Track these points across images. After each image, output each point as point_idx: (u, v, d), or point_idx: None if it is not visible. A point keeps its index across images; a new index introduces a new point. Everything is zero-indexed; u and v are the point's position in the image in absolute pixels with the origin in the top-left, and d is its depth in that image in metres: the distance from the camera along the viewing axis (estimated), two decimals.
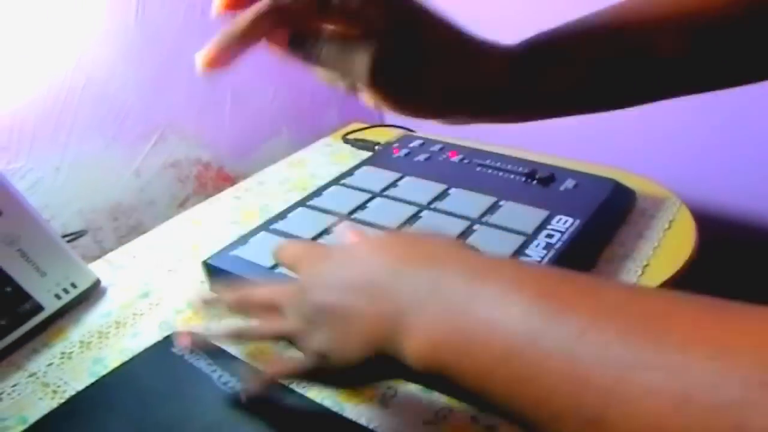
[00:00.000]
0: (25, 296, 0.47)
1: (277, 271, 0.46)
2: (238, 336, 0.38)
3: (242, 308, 0.38)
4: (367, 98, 0.35)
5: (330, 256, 0.34)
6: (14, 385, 0.43)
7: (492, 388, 0.23)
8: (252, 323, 0.37)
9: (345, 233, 0.39)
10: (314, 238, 0.49)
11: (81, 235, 0.61)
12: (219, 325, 0.39)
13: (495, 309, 0.24)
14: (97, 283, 0.52)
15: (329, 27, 0.33)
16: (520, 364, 0.22)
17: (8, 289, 0.46)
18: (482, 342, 0.23)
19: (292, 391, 0.40)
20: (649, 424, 0.18)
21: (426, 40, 0.34)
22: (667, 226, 0.53)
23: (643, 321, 0.20)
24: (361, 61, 0.32)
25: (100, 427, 0.39)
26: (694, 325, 0.19)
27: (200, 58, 0.31)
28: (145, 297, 0.51)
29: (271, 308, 0.35)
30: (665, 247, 0.51)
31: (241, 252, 0.49)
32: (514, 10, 0.73)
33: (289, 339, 0.35)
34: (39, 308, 0.48)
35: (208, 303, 0.41)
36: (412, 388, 0.40)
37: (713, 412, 0.17)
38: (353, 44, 0.32)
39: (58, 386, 0.43)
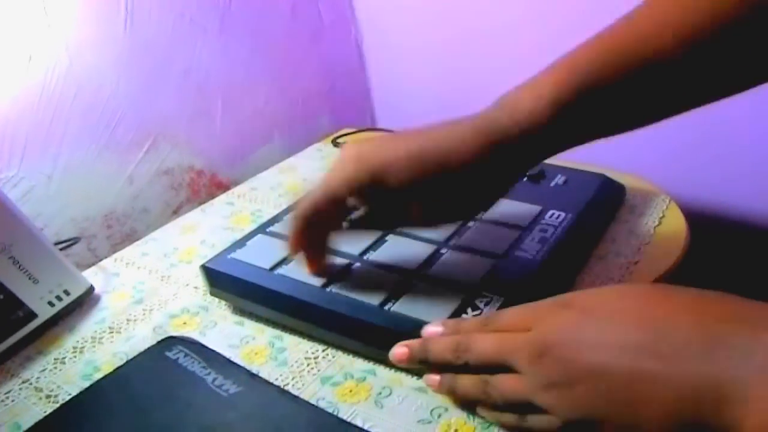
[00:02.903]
0: (18, 304, 0.47)
1: (277, 272, 0.46)
2: (465, 399, 0.35)
3: (459, 360, 0.34)
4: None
5: (574, 308, 0.30)
6: (7, 392, 0.43)
7: None
8: (464, 380, 0.35)
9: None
10: None
11: (74, 243, 0.60)
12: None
13: None
14: (91, 289, 0.52)
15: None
16: None
17: (1, 296, 0.46)
18: None
19: (287, 392, 0.40)
20: None
21: (450, 182, 0.37)
22: (657, 222, 0.54)
23: None
24: (414, 220, 0.40)
25: (94, 431, 0.38)
26: None
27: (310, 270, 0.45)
28: (139, 303, 0.51)
29: (492, 365, 0.32)
30: (656, 243, 0.51)
31: (239, 255, 0.49)
32: (516, 14, 0.73)
33: (512, 405, 0.32)
34: (32, 316, 0.48)
35: (415, 355, 0.37)
36: (407, 388, 0.40)
37: None
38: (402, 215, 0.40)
39: (52, 391, 0.43)
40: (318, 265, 0.44)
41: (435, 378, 0.37)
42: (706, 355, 0.24)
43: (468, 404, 0.37)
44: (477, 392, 0.34)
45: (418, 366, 0.38)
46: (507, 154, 0.36)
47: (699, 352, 0.25)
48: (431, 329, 0.38)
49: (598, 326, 0.28)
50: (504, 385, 0.32)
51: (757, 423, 0.23)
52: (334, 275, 0.45)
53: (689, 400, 0.24)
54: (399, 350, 0.38)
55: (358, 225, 0.43)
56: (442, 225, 0.45)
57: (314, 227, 0.41)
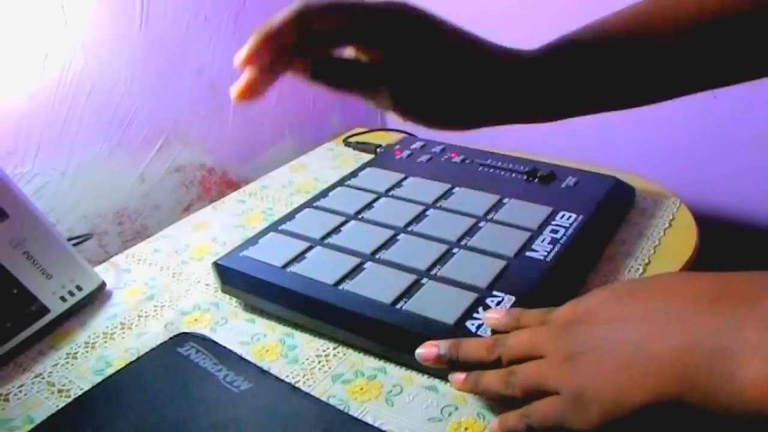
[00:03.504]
0: (31, 298, 0.47)
1: (289, 270, 0.46)
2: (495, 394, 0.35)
3: (492, 355, 0.36)
4: (394, 117, 0.37)
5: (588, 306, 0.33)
6: (21, 386, 0.43)
7: None
8: (489, 374, 0.35)
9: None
10: (323, 238, 0.50)
11: (86, 239, 0.61)
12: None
13: None
14: (103, 285, 0.52)
15: (351, 52, 0.35)
16: None
17: (14, 291, 0.46)
18: None
19: (298, 389, 0.40)
20: None
21: (445, 55, 0.35)
22: (667, 224, 0.54)
23: None
24: (383, 94, 0.35)
25: (106, 426, 0.39)
26: None
27: (233, 90, 0.33)
28: (151, 299, 0.51)
29: (523, 357, 0.34)
30: (666, 245, 0.51)
31: (251, 252, 0.49)
32: (519, 16, 0.73)
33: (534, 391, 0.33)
34: (45, 310, 0.48)
35: (445, 354, 0.37)
36: (417, 386, 0.40)
37: None
38: (374, 73, 0.34)
39: (64, 386, 0.43)
40: (256, 87, 0.33)
41: (461, 376, 0.37)
42: (708, 327, 0.26)
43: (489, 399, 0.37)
44: (500, 383, 0.35)
45: (444, 366, 0.38)
46: (496, 63, 0.36)
47: (701, 323, 0.26)
48: (492, 315, 0.39)
49: (610, 305, 0.31)
50: (525, 370, 0.34)
51: (753, 380, 0.24)
52: (346, 273, 0.45)
53: (685, 368, 0.26)
54: (428, 351, 0.38)
55: (324, 69, 0.35)
56: (409, 117, 0.37)
57: (280, 42, 0.32)
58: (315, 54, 0.34)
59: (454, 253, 0.47)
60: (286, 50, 0.33)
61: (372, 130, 0.79)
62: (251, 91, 0.33)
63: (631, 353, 0.28)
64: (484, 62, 0.36)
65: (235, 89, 0.33)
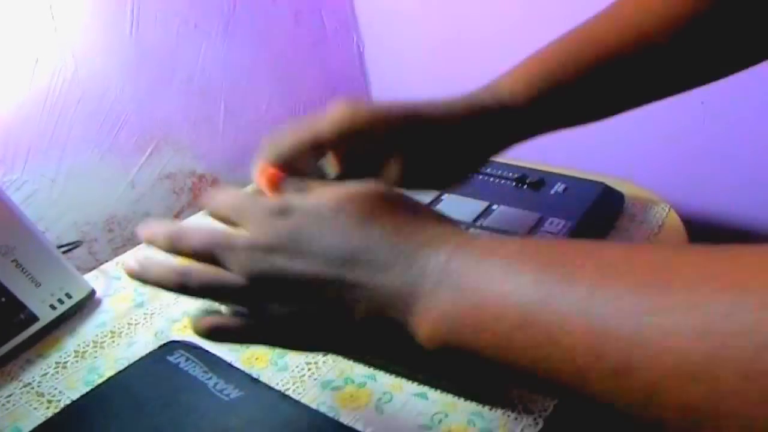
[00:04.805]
0: (20, 306, 0.47)
1: None
2: (168, 280, 0.32)
3: (174, 248, 0.33)
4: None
5: (290, 214, 0.31)
6: (8, 396, 0.43)
7: (512, 356, 0.24)
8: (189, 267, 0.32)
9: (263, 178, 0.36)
10: None
11: (76, 247, 0.61)
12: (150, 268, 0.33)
13: (506, 282, 0.24)
14: (92, 293, 0.52)
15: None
16: (537, 329, 0.23)
17: (3, 299, 0.46)
18: (498, 314, 0.24)
19: (288, 397, 0.40)
20: (675, 361, 0.19)
21: (436, 139, 0.39)
22: (656, 230, 0.54)
23: (649, 270, 0.21)
24: (388, 180, 0.39)
25: None
26: (700, 268, 0.20)
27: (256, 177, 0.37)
28: (140, 307, 0.51)
29: (206, 257, 0.32)
30: None
31: None
32: (517, 21, 0.74)
33: (220, 295, 0.32)
34: (34, 318, 0.48)
35: (147, 236, 0.34)
36: (407, 394, 0.40)
37: (733, 337, 0.17)
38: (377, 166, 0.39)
39: (53, 396, 0.43)
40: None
41: (131, 264, 0.34)
42: (398, 270, 0.28)
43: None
44: (173, 277, 0.32)
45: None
46: (488, 124, 0.40)
47: (394, 266, 0.28)
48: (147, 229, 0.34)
49: (310, 237, 0.30)
50: (204, 274, 0.31)
51: (426, 326, 0.27)
52: None
53: (385, 304, 0.28)
54: (147, 231, 0.34)
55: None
56: (414, 190, 0.43)
57: (284, 171, 0.36)
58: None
59: None
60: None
61: None
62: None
63: (340, 288, 0.29)
64: (474, 136, 0.40)
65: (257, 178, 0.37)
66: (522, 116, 0.40)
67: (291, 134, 0.37)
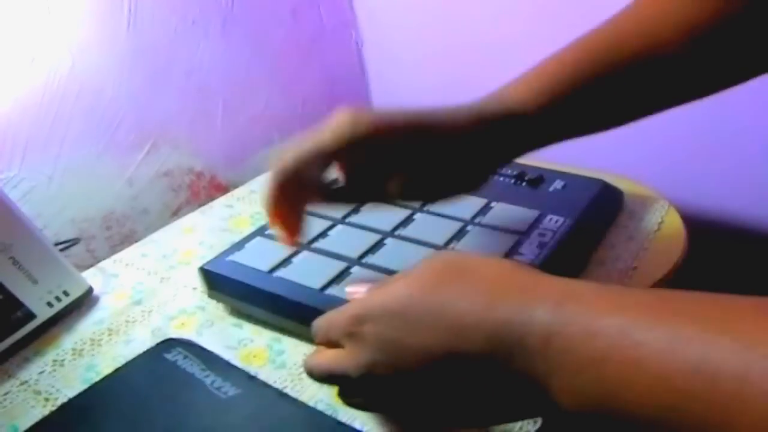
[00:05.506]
0: (17, 304, 0.47)
1: (275, 275, 0.46)
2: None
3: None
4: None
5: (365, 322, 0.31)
6: (6, 394, 0.43)
7: (656, 412, 0.22)
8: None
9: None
10: (309, 242, 0.50)
11: (74, 244, 0.60)
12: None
13: (628, 340, 0.23)
14: (90, 290, 0.52)
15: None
16: (683, 385, 0.21)
17: (0, 297, 0.46)
18: (634, 378, 0.22)
19: (286, 395, 0.40)
20: None
21: (440, 150, 0.38)
22: (656, 227, 0.54)
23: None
24: (392, 194, 0.39)
25: None
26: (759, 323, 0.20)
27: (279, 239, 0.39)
28: (138, 304, 0.51)
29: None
30: (655, 248, 0.51)
31: (237, 257, 0.49)
32: (518, 21, 0.74)
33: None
34: (31, 316, 0.48)
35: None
36: None
37: None
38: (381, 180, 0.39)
39: (50, 394, 0.43)
40: (296, 236, 0.39)
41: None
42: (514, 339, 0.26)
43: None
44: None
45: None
46: (495, 134, 0.39)
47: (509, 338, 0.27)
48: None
49: (415, 314, 0.29)
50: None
51: (561, 402, 0.25)
52: (333, 278, 0.45)
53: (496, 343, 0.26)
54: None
55: (335, 195, 0.41)
56: (419, 201, 0.43)
57: (292, 188, 0.37)
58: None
59: None
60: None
61: None
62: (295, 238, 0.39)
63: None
64: (480, 146, 0.39)
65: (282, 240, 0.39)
66: (532, 125, 0.39)
67: (294, 147, 0.37)
